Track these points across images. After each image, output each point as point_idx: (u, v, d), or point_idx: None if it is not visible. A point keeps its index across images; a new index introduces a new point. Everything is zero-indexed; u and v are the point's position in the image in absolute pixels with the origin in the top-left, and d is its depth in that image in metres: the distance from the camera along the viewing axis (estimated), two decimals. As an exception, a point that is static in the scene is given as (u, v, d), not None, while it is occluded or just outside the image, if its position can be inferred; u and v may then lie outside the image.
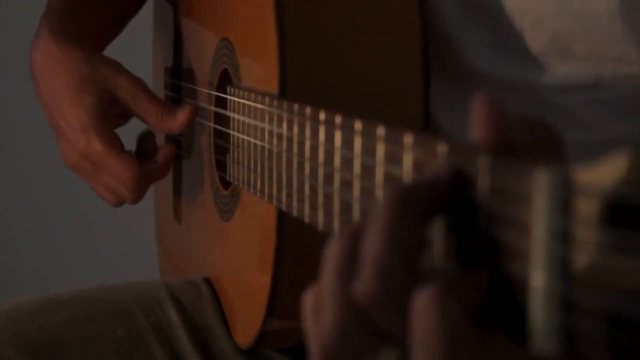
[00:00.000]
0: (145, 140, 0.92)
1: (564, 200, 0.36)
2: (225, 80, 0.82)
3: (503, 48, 0.74)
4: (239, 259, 0.82)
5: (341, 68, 0.70)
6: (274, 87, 0.69)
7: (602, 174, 0.35)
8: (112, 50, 0.95)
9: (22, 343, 0.82)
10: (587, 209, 0.35)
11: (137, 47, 0.97)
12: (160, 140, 0.97)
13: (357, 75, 0.70)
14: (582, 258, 0.35)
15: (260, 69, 0.73)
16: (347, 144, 0.53)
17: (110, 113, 0.87)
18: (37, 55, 0.90)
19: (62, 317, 0.84)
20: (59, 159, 0.93)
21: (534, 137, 0.40)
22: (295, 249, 0.72)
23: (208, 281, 0.89)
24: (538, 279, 0.36)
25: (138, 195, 0.89)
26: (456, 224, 0.41)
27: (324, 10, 0.70)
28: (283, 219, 0.71)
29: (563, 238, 0.36)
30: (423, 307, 0.39)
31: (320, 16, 0.70)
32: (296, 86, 0.69)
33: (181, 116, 0.87)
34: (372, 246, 0.41)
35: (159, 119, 0.87)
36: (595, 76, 0.72)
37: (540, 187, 0.36)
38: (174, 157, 0.91)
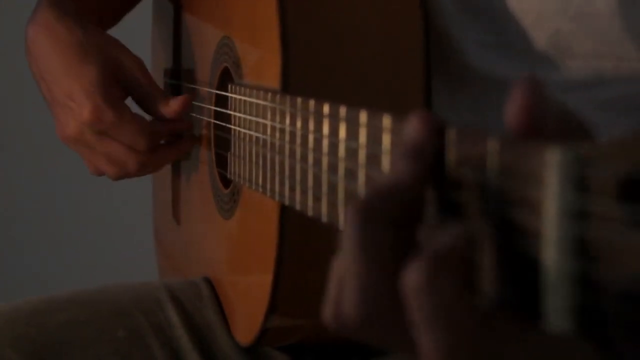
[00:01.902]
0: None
1: (576, 177, 0.36)
2: (225, 79, 0.82)
3: (503, 48, 0.74)
4: (240, 257, 0.82)
5: (343, 65, 0.70)
6: (276, 84, 0.70)
7: (613, 151, 0.35)
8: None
9: (22, 344, 0.82)
10: (599, 185, 0.35)
11: (135, 48, 0.97)
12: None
13: (358, 72, 0.70)
14: (595, 235, 0.35)
15: (262, 66, 0.73)
16: (352, 135, 0.53)
17: (116, 82, 0.87)
18: (34, 29, 0.89)
19: (62, 318, 0.84)
20: (59, 159, 0.92)
21: (566, 127, 0.40)
22: (297, 246, 0.72)
23: (208, 281, 0.89)
24: (551, 257, 0.37)
25: (144, 162, 0.87)
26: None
27: (326, 6, 0.70)
28: (285, 215, 0.71)
29: (576, 215, 0.36)
30: (411, 285, 0.39)
31: (323, 12, 0.70)
32: (298, 82, 0.69)
33: (175, 104, 0.86)
34: (347, 269, 0.42)
35: (153, 101, 0.87)
36: (596, 75, 0.72)
37: (551, 164, 0.36)
38: (184, 125, 0.90)
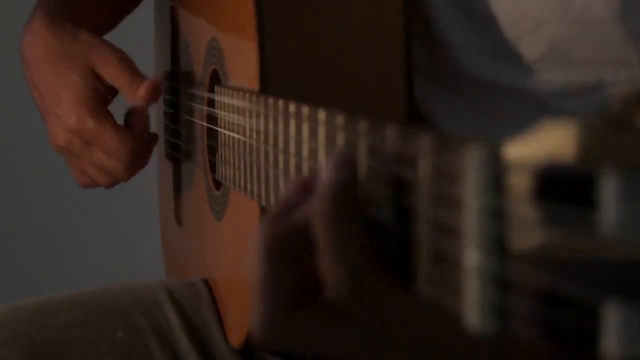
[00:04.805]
0: (134, 116, 0.91)
1: (495, 176, 0.36)
2: (215, 81, 0.83)
3: (502, 54, 0.74)
4: (230, 259, 0.82)
5: (322, 64, 0.70)
6: (255, 86, 0.70)
7: (531, 148, 0.35)
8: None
9: (21, 345, 0.82)
10: (517, 184, 0.35)
11: (139, 51, 0.97)
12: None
13: (338, 71, 0.70)
14: (515, 234, 0.35)
15: (243, 67, 0.73)
16: (312, 134, 0.53)
17: (98, 89, 0.88)
18: (30, 39, 0.90)
19: (61, 318, 0.85)
20: (60, 158, 0.93)
21: None
22: None
23: (206, 282, 0.89)
24: (472, 257, 0.36)
25: (132, 168, 0.88)
26: (397, 204, 0.41)
27: (304, 6, 0.70)
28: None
29: (495, 214, 0.36)
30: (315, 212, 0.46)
31: (300, 12, 0.70)
32: (277, 83, 0.69)
33: (142, 90, 0.87)
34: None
35: (127, 88, 0.87)
36: (595, 80, 0.72)
37: (470, 163, 0.36)
38: (145, 119, 0.90)
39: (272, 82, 0.69)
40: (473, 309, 0.36)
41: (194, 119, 0.91)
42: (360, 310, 0.46)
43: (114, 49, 0.88)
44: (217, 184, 0.84)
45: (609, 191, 0.31)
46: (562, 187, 0.34)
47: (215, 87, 0.79)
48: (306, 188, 0.49)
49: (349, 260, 0.45)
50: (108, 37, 0.97)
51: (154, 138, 0.92)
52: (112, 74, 0.87)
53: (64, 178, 1.00)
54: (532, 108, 0.74)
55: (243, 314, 0.77)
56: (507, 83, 0.74)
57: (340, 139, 0.49)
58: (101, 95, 0.88)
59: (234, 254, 0.81)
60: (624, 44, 0.69)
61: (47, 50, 0.89)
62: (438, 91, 0.76)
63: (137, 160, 0.88)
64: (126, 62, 0.88)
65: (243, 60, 0.73)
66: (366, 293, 0.45)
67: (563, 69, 0.72)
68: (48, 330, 0.84)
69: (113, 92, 0.90)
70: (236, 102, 0.70)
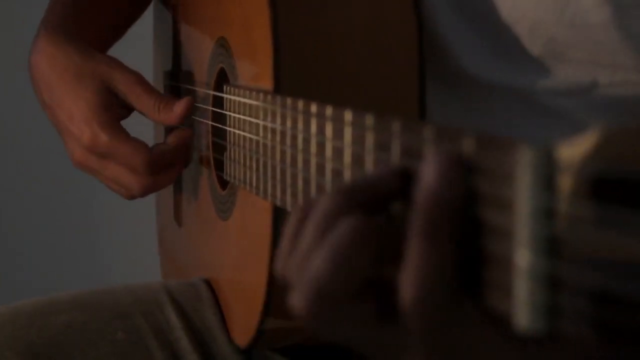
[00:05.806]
0: (177, 132, 0.91)
1: (547, 177, 0.36)
2: (222, 80, 0.83)
3: (499, 54, 0.74)
4: (236, 258, 0.82)
5: (335, 65, 0.70)
6: (268, 85, 0.70)
7: (583, 150, 0.35)
8: (113, 55, 0.95)
9: (21, 346, 0.82)
10: (570, 185, 0.35)
11: (137, 51, 0.97)
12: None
13: (350, 72, 0.70)
14: (567, 234, 0.35)
15: (255, 66, 0.73)
16: (338, 134, 0.53)
17: (112, 105, 0.87)
18: (36, 57, 0.90)
19: (61, 319, 0.84)
20: (60, 159, 0.92)
21: None
22: None
23: (207, 282, 0.89)
24: (523, 257, 0.36)
25: (147, 184, 0.87)
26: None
27: (318, 6, 0.70)
28: (278, 216, 0.70)
29: (547, 215, 0.36)
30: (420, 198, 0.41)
31: (314, 12, 0.70)
32: (290, 83, 0.69)
33: (178, 108, 0.87)
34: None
35: (156, 111, 0.87)
36: (591, 80, 0.72)
37: (523, 164, 0.36)
38: (187, 140, 0.90)
39: (286, 82, 0.68)
40: (523, 309, 0.37)
41: (197, 118, 0.91)
42: (425, 328, 0.42)
43: (131, 70, 0.88)
44: (222, 183, 0.84)
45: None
46: (617, 188, 0.34)
47: (224, 86, 0.79)
48: (403, 178, 0.44)
49: (435, 282, 0.40)
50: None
51: (182, 156, 0.90)
52: (134, 94, 0.87)
53: (64, 178, 1.00)
54: (530, 108, 0.75)
55: (249, 313, 0.77)
56: (505, 82, 0.74)
57: (369, 139, 0.49)
58: (115, 111, 0.88)
59: (241, 253, 0.81)
60: (618, 48, 0.70)
61: (54, 67, 0.88)
62: (437, 91, 0.76)
63: (152, 172, 0.87)
64: (146, 84, 0.87)
65: (255, 60, 0.73)
66: (439, 312, 0.41)
67: (560, 68, 0.73)
68: (48, 331, 0.83)
69: (127, 110, 0.89)
70: (250, 102, 0.70)
